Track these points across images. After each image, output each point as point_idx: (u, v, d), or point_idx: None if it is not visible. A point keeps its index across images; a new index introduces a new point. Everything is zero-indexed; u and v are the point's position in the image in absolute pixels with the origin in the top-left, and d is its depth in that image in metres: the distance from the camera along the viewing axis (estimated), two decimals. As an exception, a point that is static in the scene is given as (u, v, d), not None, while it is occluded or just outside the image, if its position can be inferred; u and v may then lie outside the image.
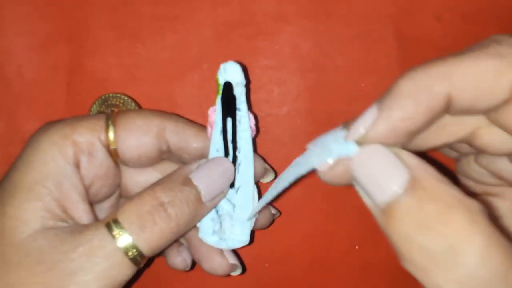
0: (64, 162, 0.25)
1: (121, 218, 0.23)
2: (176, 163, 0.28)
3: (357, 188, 0.20)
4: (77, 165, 0.25)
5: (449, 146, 0.23)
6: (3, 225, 0.23)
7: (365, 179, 0.19)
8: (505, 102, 0.18)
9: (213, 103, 0.32)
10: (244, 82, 0.27)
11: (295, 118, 0.32)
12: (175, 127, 0.27)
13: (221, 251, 0.27)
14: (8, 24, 0.31)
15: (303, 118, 0.32)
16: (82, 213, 0.25)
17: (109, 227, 0.23)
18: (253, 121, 0.27)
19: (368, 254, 0.32)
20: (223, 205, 0.27)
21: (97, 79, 0.32)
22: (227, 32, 0.32)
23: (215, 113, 0.27)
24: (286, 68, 0.32)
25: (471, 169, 0.24)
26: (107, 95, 0.31)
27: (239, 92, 0.27)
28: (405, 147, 0.20)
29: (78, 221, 0.24)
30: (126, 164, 0.27)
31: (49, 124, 0.26)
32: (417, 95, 0.18)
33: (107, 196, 0.28)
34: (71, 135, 0.25)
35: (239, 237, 0.27)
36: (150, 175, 0.28)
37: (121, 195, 0.28)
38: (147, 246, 0.23)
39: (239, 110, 0.27)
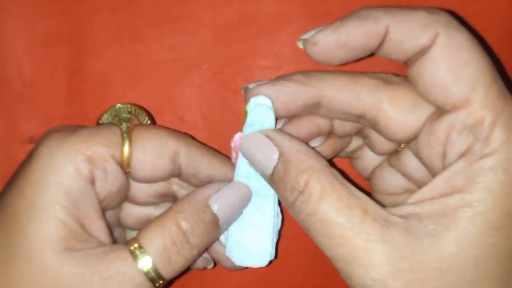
0: (80, 179, 0.24)
1: (147, 248, 0.24)
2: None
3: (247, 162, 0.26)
4: (92, 182, 0.25)
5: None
6: (28, 248, 0.23)
7: (250, 157, 0.25)
8: (426, 49, 0.23)
9: (212, 105, 0.31)
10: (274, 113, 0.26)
11: (295, 119, 0.32)
12: (189, 153, 0.27)
13: None
14: (8, 24, 0.31)
15: (303, 119, 0.32)
16: (99, 230, 0.25)
17: (134, 255, 0.23)
18: None
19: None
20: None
21: (97, 79, 0.32)
22: (227, 32, 0.32)
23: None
24: (286, 68, 0.32)
25: (384, 178, 0.28)
26: (118, 107, 0.30)
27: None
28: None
29: (95, 237, 0.24)
30: (136, 180, 0.27)
31: (60, 134, 0.25)
32: (364, 20, 0.23)
33: (116, 207, 0.28)
34: (87, 151, 0.24)
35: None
36: (157, 185, 0.28)
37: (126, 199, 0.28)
38: (171, 273, 0.24)
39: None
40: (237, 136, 0.27)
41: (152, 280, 0.24)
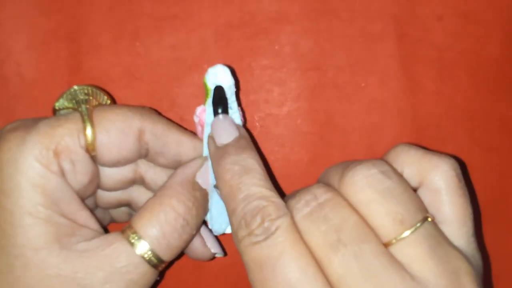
0: (53, 175, 0.23)
1: (146, 236, 0.24)
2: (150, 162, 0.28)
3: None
4: (63, 175, 0.24)
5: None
6: (23, 256, 0.22)
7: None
8: None
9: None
10: (233, 83, 0.27)
11: (295, 118, 0.32)
12: (155, 130, 0.26)
13: (203, 242, 0.28)
14: (7, 22, 0.31)
15: (303, 118, 0.32)
16: (87, 220, 0.24)
17: (134, 245, 0.24)
18: (242, 119, 0.27)
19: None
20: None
21: (96, 78, 0.32)
22: (227, 31, 0.32)
23: (206, 114, 0.27)
24: (286, 68, 0.32)
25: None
26: (74, 89, 0.28)
27: (230, 93, 0.27)
28: None
29: (86, 227, 0.24)
30: (102, 165, 0.26)
31: (18, 134, 0.24)
32: None
33: (91, 195, 0.27)
34: (50, 145, 0.23)
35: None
36: (124, 169, 0.27)
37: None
38: (172, 256, 0.25)
39: (231, 109, 0.27)
40: (199, 109, 0.27)
41: (155, 266, 0.24)
